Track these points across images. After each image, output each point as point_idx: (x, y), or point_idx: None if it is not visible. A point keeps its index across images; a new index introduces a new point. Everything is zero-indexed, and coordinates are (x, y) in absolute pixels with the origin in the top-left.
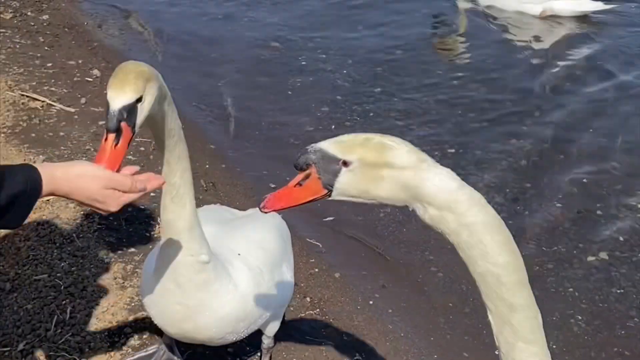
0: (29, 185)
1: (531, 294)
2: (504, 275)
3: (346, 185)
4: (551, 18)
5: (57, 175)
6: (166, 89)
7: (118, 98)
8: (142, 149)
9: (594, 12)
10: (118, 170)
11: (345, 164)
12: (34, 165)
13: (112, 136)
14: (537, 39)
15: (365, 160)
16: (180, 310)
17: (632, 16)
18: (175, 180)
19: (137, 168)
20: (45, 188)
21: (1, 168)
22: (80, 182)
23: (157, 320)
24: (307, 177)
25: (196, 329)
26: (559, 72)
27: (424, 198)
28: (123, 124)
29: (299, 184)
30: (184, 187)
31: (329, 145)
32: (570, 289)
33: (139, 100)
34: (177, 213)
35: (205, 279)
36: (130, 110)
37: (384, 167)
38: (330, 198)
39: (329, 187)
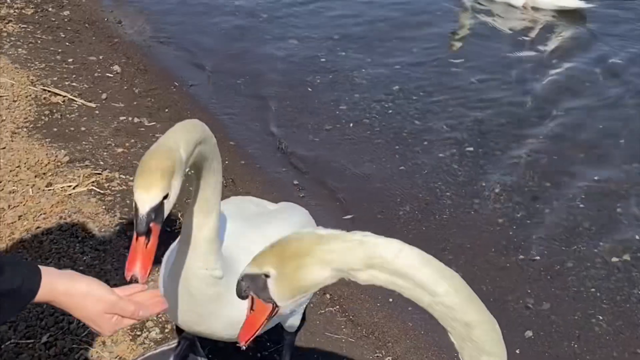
0: (24, 288)
1: (482, 307)
2: (449, 301)
3: (280, 291)
4: (538, 11)
5: (58, 288)
6: (211, 138)
7: (146, 201)
8: None
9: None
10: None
11: (267, 276)
12: (41, 268)
13: (142, 238)
14: (545, 33)
15: (277, 263)
16: (193, 316)
17: (613, 12)
18: (207, 194)
19: (145, 287)
20: (42, 296)
21: (6, 260)
22: (83, 301)
23: (173, 320)
24: (253, 302)
25: (210, 332)
26: (569, 71)
27: (345, 268)
28: (152, 224)
29: (252, 309)
30: (213, 200)
31: (248, 268)
32: (592, 289)
33: (166, 196)
34: (201, 223)
35: (217, 292)
36: (158, 209)
37: (294, 260)
38: (282, 309)
39: (271, 301)
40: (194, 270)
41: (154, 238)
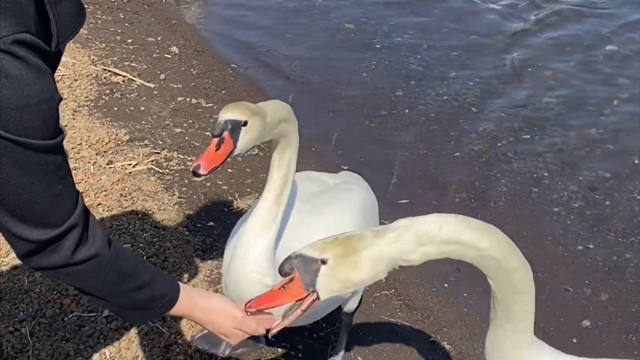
0: (168, 296)
1: (521, 255)
2: (495, 253)
3: (330, 282)
4: None
5: (197, 305)
6: (294, 120)
7: (226, 114)
8: None
9: None
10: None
11: (323, 262)
12: (180, 284)
13: (215, 140)
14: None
15: (338, 253)
16: None
17: None
18: (279, 183)
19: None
20: (181, 309)
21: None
22: (217, 317)
23: None
24: (290, 281)
25: None
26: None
27: (399, 255)
28: (226, 133)
29: (283, 287)
30: (284, 192)
31: (306, 250)
32: None
33: (245, 124)
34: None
35: None
36: (235, 126)
37: (355, 253)
38: (314, 298)
39: (313, 289)
40: (246, 272)
41: (224, 149)
